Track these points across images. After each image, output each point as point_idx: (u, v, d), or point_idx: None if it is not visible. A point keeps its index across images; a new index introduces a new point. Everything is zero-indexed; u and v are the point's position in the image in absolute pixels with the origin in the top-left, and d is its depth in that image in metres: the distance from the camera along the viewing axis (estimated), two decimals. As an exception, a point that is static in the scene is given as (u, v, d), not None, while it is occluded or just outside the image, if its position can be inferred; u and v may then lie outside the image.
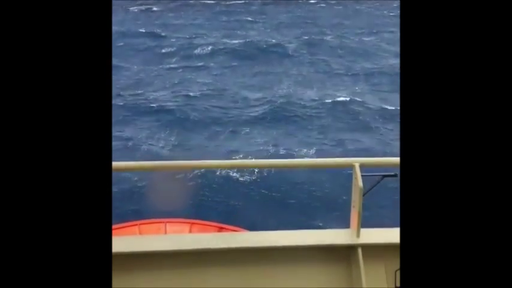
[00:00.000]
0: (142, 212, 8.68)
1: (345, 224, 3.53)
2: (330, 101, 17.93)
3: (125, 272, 3.12)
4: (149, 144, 14.04)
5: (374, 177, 3.35)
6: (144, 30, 31.78)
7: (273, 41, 28.63)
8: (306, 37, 30.22)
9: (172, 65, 24.00)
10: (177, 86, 20.12)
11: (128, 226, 5.82)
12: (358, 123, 15.89)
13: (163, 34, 30.95)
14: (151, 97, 18.28)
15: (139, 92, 19.01)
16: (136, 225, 5.83)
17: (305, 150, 13.57)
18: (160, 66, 23.58)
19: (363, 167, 3.30)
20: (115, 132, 13.77)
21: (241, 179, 11.50)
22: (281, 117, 16.27)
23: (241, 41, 28.46)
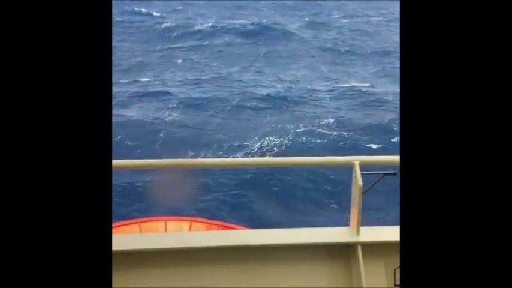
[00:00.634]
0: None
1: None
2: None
3: (125, 270, 3.12)
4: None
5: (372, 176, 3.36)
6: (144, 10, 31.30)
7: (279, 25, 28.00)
8: (309, 18, 29.80)
9: (174, 45, 23.88)
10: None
11: (128, 224, 5.83)
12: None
13: (158, 15, 30.43)
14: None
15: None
16: (136, 223, 5.84)
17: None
18: (162, 47, 23.52)
19: (362, 165, 3.30)
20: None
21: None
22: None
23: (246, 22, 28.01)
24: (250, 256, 3.28)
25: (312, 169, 11.48)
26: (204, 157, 12.34)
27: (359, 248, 3.27)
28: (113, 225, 5.03)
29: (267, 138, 13.83)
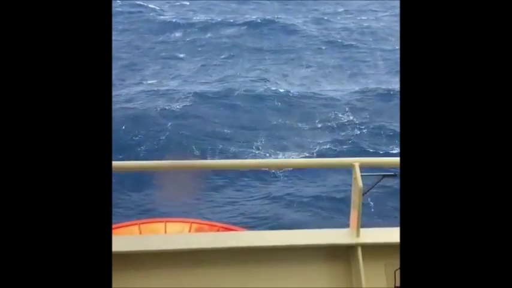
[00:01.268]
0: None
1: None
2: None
3: (125, 271, 3.12)
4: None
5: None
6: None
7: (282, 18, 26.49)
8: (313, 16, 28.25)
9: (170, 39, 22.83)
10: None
11: (128, 225, 5.83)
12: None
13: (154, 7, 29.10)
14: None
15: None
16: (136, 224, 5.84)
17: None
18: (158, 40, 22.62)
19: (362, 167, 3.30)
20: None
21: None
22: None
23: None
24: (250, 257, 3.28)
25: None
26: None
27: (359, 250, 3.27)
28: (113, 226, 5.03)
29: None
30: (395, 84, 16.54)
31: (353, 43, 22.56)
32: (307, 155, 12.62)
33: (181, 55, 20.93)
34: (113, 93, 16.09)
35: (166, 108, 15.03)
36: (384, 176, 3.30)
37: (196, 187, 10.85)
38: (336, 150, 12.75)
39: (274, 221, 10.00)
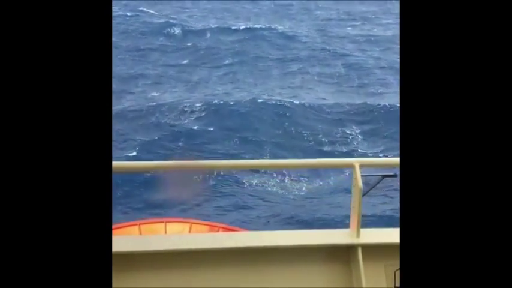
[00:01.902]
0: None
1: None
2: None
3: (125, 271, 3.12)
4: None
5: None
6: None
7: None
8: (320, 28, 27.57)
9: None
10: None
11: (128, 226, 5.83)
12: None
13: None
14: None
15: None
16: (136, 224, 5.84)
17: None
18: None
19: (362, 167, 3.30)
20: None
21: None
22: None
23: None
24: (250, 258, 3.28)
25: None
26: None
27: (359, 250, 3.27)
28: (113, 226, 5.02)
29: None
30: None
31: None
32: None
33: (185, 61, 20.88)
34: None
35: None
36: (384, 176, 3.30)
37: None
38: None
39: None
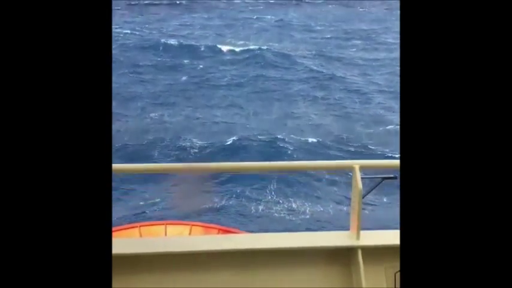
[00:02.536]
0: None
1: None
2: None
3: (125, 274, 3.12)
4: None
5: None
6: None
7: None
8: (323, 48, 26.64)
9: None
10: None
11: (128, 228, 5.84)
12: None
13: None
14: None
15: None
16: (136, 227, 5.84)
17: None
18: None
19: (362, 169, 3.30)
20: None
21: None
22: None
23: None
24: (250, 260, 3.28)
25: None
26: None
27: (359, 252, 3.27)
28: (113, 229, 5.03)
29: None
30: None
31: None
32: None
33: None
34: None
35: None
36: (384, 178, 3.30)
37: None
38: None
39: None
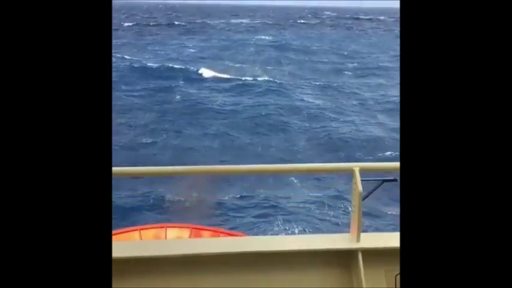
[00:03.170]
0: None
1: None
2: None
3: (126, 277, 3.12)
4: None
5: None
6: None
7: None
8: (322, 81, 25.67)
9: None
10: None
11: (128, 231, 5.84)
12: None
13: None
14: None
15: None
16: (136, 230, 5.85)
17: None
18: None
19: (362, 171, 3.30)
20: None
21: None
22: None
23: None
24: (250, 263, 3.28)
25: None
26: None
27: (359, 255, 3.27)
28: (113, 232, 5.04)
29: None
30: None
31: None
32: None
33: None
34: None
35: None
36: (384, 181, 3.29)
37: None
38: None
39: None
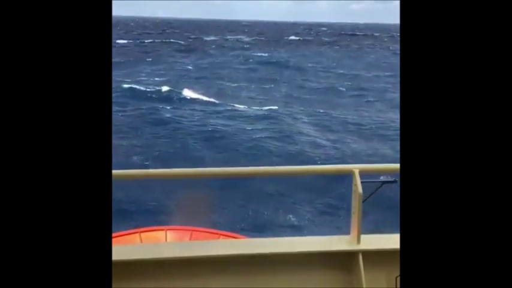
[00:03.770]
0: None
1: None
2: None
3: (126, 280, 3.12)
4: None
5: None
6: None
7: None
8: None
9: None
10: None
11: (129, 234, 5.81)
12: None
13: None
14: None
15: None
16: (136, 232, 5.82)
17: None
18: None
19: (362, 173, 3.31)
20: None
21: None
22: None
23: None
24: (250, 265, 3.28)
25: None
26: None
27: (360, 256, 3.27)
28: (113, 235, 5.01)
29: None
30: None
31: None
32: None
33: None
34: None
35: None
36: (384, 182, 3.30)
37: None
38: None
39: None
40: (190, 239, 5.65)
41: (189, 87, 27.73)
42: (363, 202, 3.25)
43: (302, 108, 24.37)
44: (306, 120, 22.30)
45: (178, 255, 3.24)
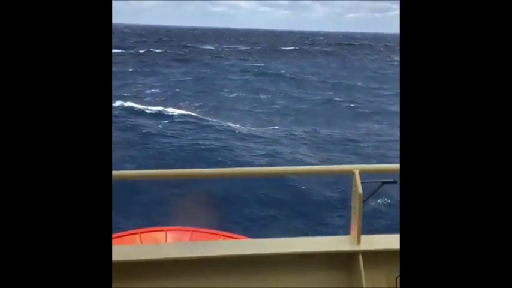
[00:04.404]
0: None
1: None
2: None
3: (126, 280, 3.12)
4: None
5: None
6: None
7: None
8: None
9: None
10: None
11: (129, 234, 5.80)
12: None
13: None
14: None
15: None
16: (137, 233, 5.81)
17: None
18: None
19: (362, 173, 3.31)
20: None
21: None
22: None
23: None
24: (251, 265, 3.28)
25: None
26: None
27: (360, 257, 3.27)
28: (113, 235, 5.00)
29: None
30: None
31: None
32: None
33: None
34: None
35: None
36: (384, 183, 3.31)
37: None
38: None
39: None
40: (190, 240, 5.63)
41: (183, 101, 27.48)
42: (363, 202, 3.25)
43: (296, 128, 23.51)
44: (305, 142, 21.44)
45: (179, 256, 3.24)
